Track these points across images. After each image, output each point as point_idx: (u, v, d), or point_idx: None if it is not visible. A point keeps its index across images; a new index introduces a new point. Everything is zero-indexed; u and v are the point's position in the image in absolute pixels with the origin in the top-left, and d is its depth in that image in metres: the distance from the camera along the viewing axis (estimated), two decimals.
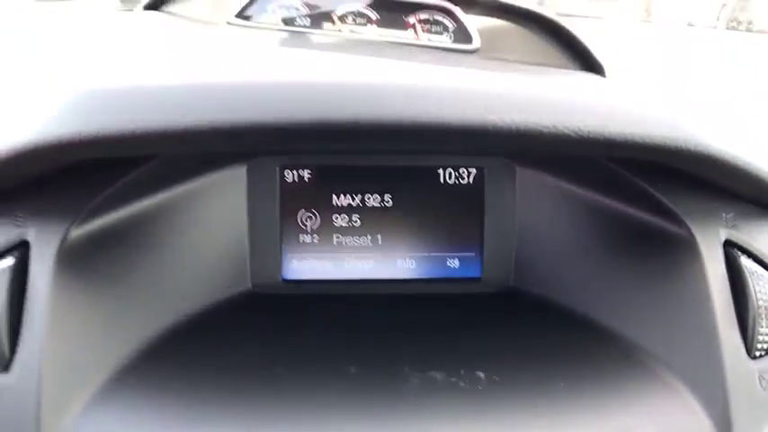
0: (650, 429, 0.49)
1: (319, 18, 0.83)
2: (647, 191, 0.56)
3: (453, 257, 0.67)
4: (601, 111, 0.48)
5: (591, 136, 0.46)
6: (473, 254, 0.67)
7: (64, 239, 0.50)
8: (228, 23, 0.83)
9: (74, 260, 0.50)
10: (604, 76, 0.74)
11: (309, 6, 0.83)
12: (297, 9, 0.83)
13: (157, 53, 0.63)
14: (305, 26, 0.83)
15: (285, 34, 0.80)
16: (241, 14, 0.84)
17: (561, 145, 0.47)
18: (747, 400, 0.50)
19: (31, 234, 0.50)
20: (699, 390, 0.51)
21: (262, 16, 0.84)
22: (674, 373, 0.53)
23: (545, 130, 0.45)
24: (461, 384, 0.50)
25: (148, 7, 0.96)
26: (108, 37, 0.74)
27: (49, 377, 0.45)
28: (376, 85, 0.46)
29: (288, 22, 0.83)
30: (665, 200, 0.56)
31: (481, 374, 0.52)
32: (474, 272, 0.67)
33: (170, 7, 0.94)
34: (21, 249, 0.49)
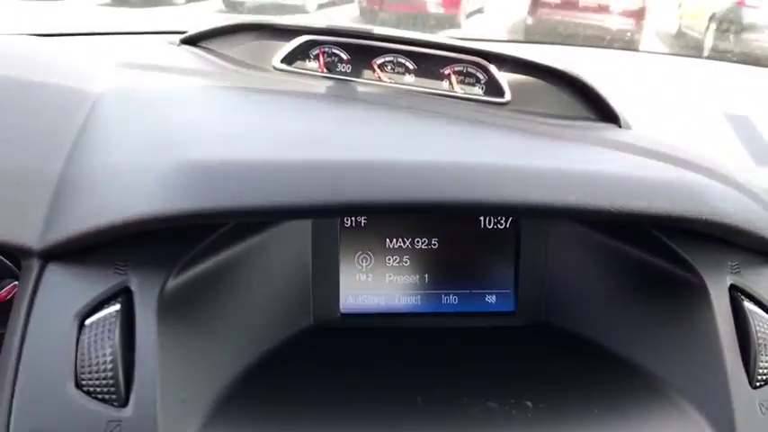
0: None
1: (360, 66, 0.90)
2: (665, 242, 0.65)
3: (491, 294, 0.75)
4: (632, 187, 0.57)
5: (623, 211, 0.55)
6: (509, 290, 0.75)
7: (163, 288, 0.57)
8: (275, 68, 0.90)
9: (172, 306, 0.57)
10: (620, 126, 0.82)
11: (351, 53, 0.90)
12: (339, 56, 0.91)
13: (235, 113, 0.70)
14: (346, 73, 0.90)
15: (332, 83, 0.87)
16: (286, 59, 0.91)
17: (598, 218, 0.55)
18: (750, 424, 0.59)
19: (133, 282, 0.57)
20: (709, 415, 0.60)
21: (306, 62, 0.92)
22: (687, 399, 0.62)
23: (582, 209, 0.54)
24: (514, 413, 0.59)
25: (186, 41, 1.02)
26: (173, 86, 0.81)
27: (162, 410, 0.53)
28: (438, 170, 0.56)
29: (330, 68, 0.91)
30: (680, 250, 0.65)
31: (529, 404, 0.60)
32: (509, 306, 0.75)
33: (206, 43, 1.00)
34: (124, 296, 0.57)
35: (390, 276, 0.73)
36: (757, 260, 0.66)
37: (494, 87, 0.85)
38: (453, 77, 0.87)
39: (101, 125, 0.68)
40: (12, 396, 0.53)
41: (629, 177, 0.59)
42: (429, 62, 0.87)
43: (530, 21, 8.02)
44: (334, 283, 0.72)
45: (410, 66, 0.88)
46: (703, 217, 0.58)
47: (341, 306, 0.73)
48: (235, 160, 0.55)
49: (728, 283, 0.64)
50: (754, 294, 0.64)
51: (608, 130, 0.80)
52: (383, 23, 7.86)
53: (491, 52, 0.83)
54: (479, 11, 9.75)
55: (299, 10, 8.30)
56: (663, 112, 0.98)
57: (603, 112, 0.83)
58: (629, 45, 7.57)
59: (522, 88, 0.85)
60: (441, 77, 0.87)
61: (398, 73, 0.88)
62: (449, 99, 0.85)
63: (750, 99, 1.20)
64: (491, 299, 0.75)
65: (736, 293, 0.64)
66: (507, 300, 0.75)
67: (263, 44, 0.94)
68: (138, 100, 0.74)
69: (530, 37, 7.70)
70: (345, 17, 8.37)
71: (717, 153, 0.82)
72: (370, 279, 0.73)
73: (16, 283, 0.64)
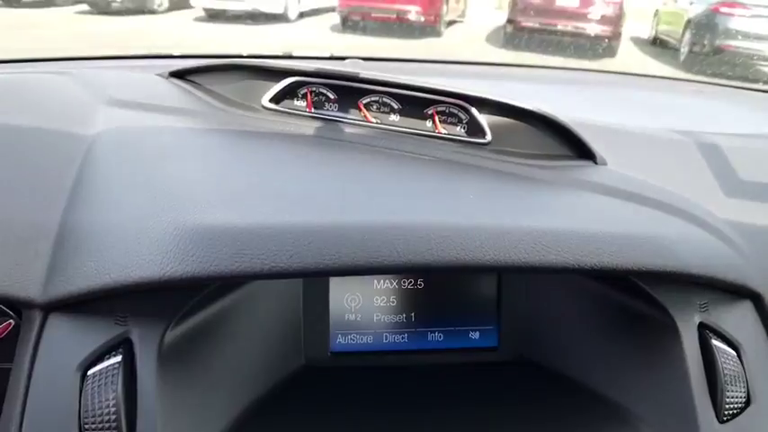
0: None
1: (347, 105, 0.93)
2: (638, 285, 0.69)
3: (475, 330, 0.78)
4: (605, 245, 0.61)
5: (596, 268, 0.59)
6: (492, 327, 0.78)
7: (163, 338, 0.59)
8: (264, 107, 0.93)
9: (171, 355, 0.60)
10: (596, 163, 0.86)
11: (338, 93, 0.93)
12: (326, 95, 0.93)
13: (229, 165, 0.73)
14: (334, 112, 0.93)
15: (320, 124, 0.90)
16: (275, 99, 0.94)
17: (576, 273, 0.59)
18: None
19: (134, 333, 0.59)
20: None
21: (294, 101, 0.95)
22: None
23: (559, 267, 0.59)
24: None
25: (174, 75, 1.05)
26: (166, 131, 0.83)
27: None
28: (423, 233, 0.59)
29: (318, 106, 0.93)
30: (651, 292, 0.69)
31: None
32: (492, 342, 0.79)
33: (195, 77, 1.03)
34: (125, 346, 0.59)
35: (378, 316, 0.77)
36: (724, 298, 0.71)
37: (475, 127, 0.88)
38: (436, 117, 0.90)
39: (97, 175, 0.70)
40: None
41: (603, 235, 0.63)
42: (413, 102, 0.90)
43: (509, 29, 8.13)
44: (324, 324, 0.76)
45: (395, 105, 0.91)
46: (673, 270, 0.63)
47: (331, 345, 0.76)
48: (231, 225, 0.58)
49: (697, 321, 0.68)
50: (721, 331, 0.69)
51: (584, 169, 0.84)
52: (365, 31, 7.91)
53: (472, 96, 0.87)
54: (460, 17, 9.85)
55: (281, 18, 8.33)
56: (636, 141, 1.02)
57: (580, 150, 0.87)
58: (607, 52, 7.71)
59: (503, 128, 0.88)
60: (424, 117, 0.90)
61: (384, 112, 0.91)
62: (432, 139, 0.88)
63: (721, 123, 1.25)
64: (475, 335, 0.78)
65: (704, 331, 0.68)
66: (490, 336, 0.78)
67: (251, 83, 0.96)
68: (133, 147, 0.76)
69: (509, 44, 7.80)
70: (326, 26, 8.41)
71: (686, 186, 0.86)
72: (359, 318, 0.76)
73: (11, 321, 0.66)
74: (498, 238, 0.59)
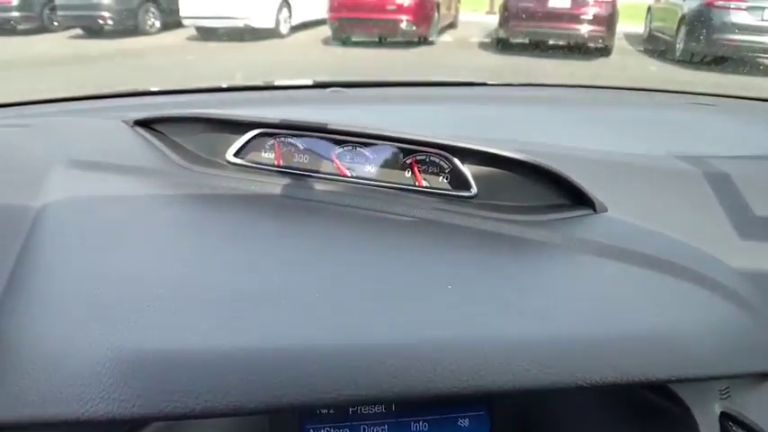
0: None
1: (318, 156, 0.85)
2: None
3: (464, 417, 0.70)
4: (607, 354, 0.53)
5: (601, 384, 0.51)
6: (482, 412, 0.70)
7: None
8: (228, 162, 0.85)
9: None
10: (596, 211, 0.78)
11: (307, 144, 0.85)
12: (296, 146, 0.85)
13: (181, 256, 0.64)
14: (304, 165, 0.84)
15: (288, 181, 0.81)
16: (240, 153, 0.86)
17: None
18: None
19: None
20: None
21: (261, 153, 0.86)
22: None
23: (554, 388, 0.50)
24: None
25: (139, 123, 0.97)
26: (120, 205, 0.75)
27: None
28: (390, 359, 0.51)
29: (286, 158, 0.85)
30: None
31: None
32: (484, 429, 0.70)
33: (160, 127, 0.95)
34: None
35: (353, 407, 0.68)
36: (748, 379, 0.62)
37: (459, 179, 0.80)
38: (416, 167, 0.82)
39: (34, 267, 0.62)
40: None
41: (606, 341, 0.54)
42: (390, 152, 0.82)
43: (501, 33, 8.06)
44: (293, 417, 0.67)
45: (370, 156, 0.83)
46: (689, 377, 0.54)
47: None
48: (159, 352, 0.49)
49: (718, 411, 0.59)
50: (747, 422, 0.60)
51: (583, 221, 0.76)
52: (356, 43, 7.85)
53: (453, 145, 0.78)
54: (452, 25, 9.81)
55: (273, 34, 8.28)
56: (637, 175, 0.93)
57: (578, 197, 0.79)
58: (602, 52, 7.65)
59: (490, 178, 0.80)
60: (403, 167, 0.82)
61: (359, 163, 0.83)
62: (412, 194, 0.80)
63: (728, 143, 1.15)
64: (464, 422, 0.70)
65: (726, 422, 0.59)
66: (482, 422, 0.70)
67: (216, 135, 0.88)
68: (78, 229, 0.67)
69: (501, 49, 7.74)
70: (318, 39, 8.36)
71: (695, 229, 0.78)
72: (332, 411, 0.68)
73: None
74: (479, 359, 0.50)
